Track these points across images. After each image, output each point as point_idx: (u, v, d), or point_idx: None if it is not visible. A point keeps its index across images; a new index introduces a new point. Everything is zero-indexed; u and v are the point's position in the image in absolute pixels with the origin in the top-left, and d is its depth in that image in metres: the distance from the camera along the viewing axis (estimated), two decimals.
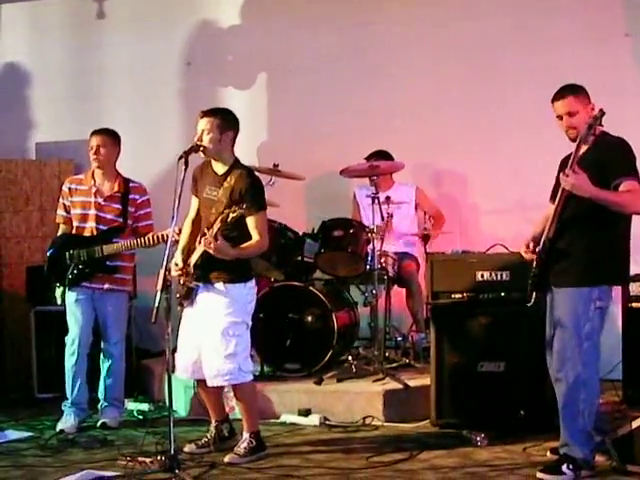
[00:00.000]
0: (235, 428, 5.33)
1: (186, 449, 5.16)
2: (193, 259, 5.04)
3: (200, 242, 4.94)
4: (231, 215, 4.82)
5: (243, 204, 4.86)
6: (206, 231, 4.95)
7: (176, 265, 5.07)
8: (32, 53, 8.39)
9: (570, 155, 4.51)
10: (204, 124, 5.05)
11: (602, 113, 4.42)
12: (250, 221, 4.98)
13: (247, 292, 5.11)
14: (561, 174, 4.46)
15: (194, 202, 5.24)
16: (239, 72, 7.96)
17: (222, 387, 5.24)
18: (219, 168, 5.13)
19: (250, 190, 5.00)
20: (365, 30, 7.51)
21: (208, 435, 5.30)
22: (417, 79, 7.36)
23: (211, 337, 5.00)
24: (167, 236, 5.51)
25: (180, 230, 5.24)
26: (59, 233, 6.01)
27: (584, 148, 4.51)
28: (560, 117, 4.60)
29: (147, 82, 8.04)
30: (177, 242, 5.16)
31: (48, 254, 5.95)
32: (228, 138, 5.10)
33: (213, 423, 5.33)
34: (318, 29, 7.60)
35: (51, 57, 8.30)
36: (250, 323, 5.12)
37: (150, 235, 5.76)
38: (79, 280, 5.80)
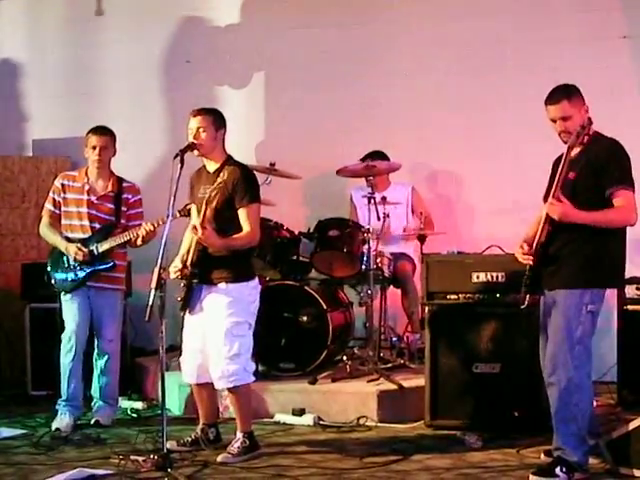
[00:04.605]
0: (221, 433, 5.30)
1: (167, 445, 4.91)
2: (190, 258, 5.00)
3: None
4: (215, 188, 4.81)
5: (235, 195, 4.82)
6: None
7: (175, 267, 5.03)
8: (29, 49, 8.37)
9: (561, 156, 4.48)
10: (199, 122, 5.03)
11: (589, 122, 4.41)
12: (242, 212, 4.95)
13: (250, 292, 5.07)
14: (546, 203, 4.44)
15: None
16: (237, 70, 7.94)
17: (217, 391, 5.21)
18: (212, 166, 5.11)
19: (243, 181, 4.97)
20: (363, 29, 7.51)
21: (192, 435, 5.26)
22: (414, 79, 7.35)
23: (215, 338, 4.96)
24: (158, 222, 5.47)
25: (163, 219, 5.21)
26: (42, 226, 5.89)
27: (576, 150, 4.48)
28: (554, 120, 4.57)
29: (145, 79, 8.03)
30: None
31: (49, 268, 5.89)
32: (221, 135, 5.11)
33: (200, 425, 5.28)
34: (316, 28, 7.58)
35: (48, 53, 8.28)
36: (253, 323, 5.08)
37: (143, 225, 5.63)
38: (81, 285, 5.77)
